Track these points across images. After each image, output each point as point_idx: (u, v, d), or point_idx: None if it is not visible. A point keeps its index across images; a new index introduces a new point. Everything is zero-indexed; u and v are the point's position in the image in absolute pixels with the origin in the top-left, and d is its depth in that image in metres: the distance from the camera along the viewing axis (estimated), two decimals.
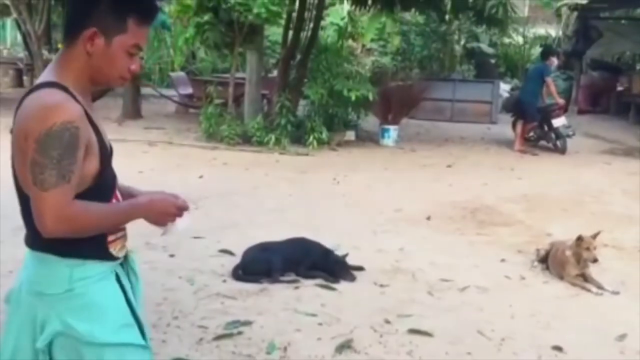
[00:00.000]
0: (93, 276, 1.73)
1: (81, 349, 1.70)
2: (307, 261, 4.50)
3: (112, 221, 1.75)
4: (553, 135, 10.86)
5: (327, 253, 4.57)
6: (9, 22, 21.89)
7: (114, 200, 1.81)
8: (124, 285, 1.82)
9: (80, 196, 1.65)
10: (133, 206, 1.78)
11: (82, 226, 1.65)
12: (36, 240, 1.70)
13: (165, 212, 1.80)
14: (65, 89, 1.64)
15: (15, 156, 1.67)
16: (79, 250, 1.70)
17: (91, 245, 1.72)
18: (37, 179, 1.58)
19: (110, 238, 1.78)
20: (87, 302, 1.71)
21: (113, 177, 1.82)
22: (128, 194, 1.89)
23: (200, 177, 7.50)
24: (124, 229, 1.85)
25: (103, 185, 1.75)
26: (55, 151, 1.57)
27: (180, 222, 1.84)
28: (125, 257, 1.90)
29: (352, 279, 4.41)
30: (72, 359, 1.71)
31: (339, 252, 4.64)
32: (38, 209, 1.60)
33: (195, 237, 5.03)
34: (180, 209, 1.82)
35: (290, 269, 4.45)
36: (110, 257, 1.79)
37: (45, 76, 1.70)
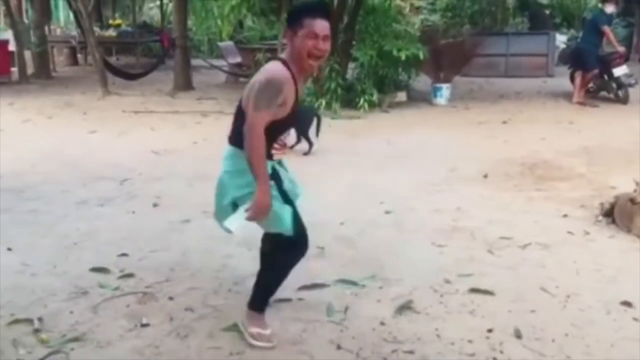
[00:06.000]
0: None
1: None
2: None
3: (256, 164, 2.68)
4: (614, 85, 10.45)
5: None
6: (60, 1, 22.31)
7: (288, 134, 3.05)
8: (278, 171, 2.96)
9: (275, 122, 2.74)
10: (266, 179, 2.73)
11: (253, 145, 2.68)
12: (232, 140, 2.88)
13: (263, 205, 2.74)
14: (285, 63, 2.77)
15: (246, 90, 2.79)
16: None
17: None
18: (253, 103, 2.69)
19: (273, 151, 2.88)
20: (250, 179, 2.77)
21: (291, 123, 2.96)
22: None
23: None
24: (282, 152, 2.98)
25: (284, 123, 2.86)
26: (266, 92, 2.68)
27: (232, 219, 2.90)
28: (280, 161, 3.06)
29: None
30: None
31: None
32: (248, 121, 2.70)
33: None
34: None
35: None
36: (270, 158, 2.87)
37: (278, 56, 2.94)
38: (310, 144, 7.03)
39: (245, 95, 2.79)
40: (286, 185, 2.97)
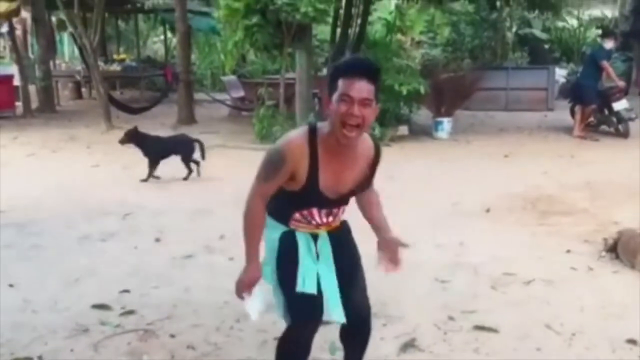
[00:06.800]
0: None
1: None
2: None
3: (247, 238, 2.47)
4: (614, 119, 10.51)
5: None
6: (65, 36, 22.63)
7: (310, 211, 2.49)
8: (297, 241, 2.53)
9: (286, 192, 2.42)
10: (252, 257, 2.48)
11: (245, 217, 2.44)
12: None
13: (239, 283, 2.48)
14: (313, 130, 2.39)
15: None
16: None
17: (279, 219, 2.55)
18: (257, 172, 2.42)
19: (295, 223, 2.51)
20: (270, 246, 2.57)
21: (313, 202, 2.46)
22: (377, 228, 2.83)
23: None
24: (308, 228, 2.53)
25: (301, 198, 2.43)
26: (265, 162, 2.39)
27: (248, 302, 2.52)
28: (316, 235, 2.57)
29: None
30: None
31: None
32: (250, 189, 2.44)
33: None
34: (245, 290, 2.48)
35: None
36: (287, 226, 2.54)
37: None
38: (190, 170, 7.66)
39: None
40: (302, 259, 2.50)
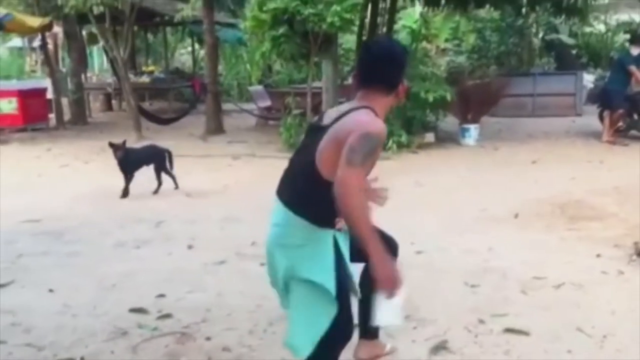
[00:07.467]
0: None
1: None
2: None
3: (363, 225, 2.21)
4: None
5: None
6: (95, 50, 23.10)
7: None
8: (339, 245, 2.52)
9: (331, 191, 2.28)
10: (378, 243, 2.23)
11: (352, 203, 2.19)
12: (293, 204, 2.49)
13: (394, 280, 2.25)
14: (375, 112, 2.44)
15: (325, 143, 2.40)
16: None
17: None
18: (348, 158, 2.24)
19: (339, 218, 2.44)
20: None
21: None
22: None
23: None
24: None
25: None
26: (367, 147, 2.26)
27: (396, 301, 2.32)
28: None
29: None
30: None
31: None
32: (342, 178, 2.22)
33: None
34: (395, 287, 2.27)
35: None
36: (332, 226, 2.51)
37: (359, 103, 2.50)
38: (160, 183, 7.55)
39: (323, 147, 2.41)
40: (345, 263, 2.54)
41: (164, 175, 7.59)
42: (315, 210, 2.43)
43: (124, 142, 7.41)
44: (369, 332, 3.11)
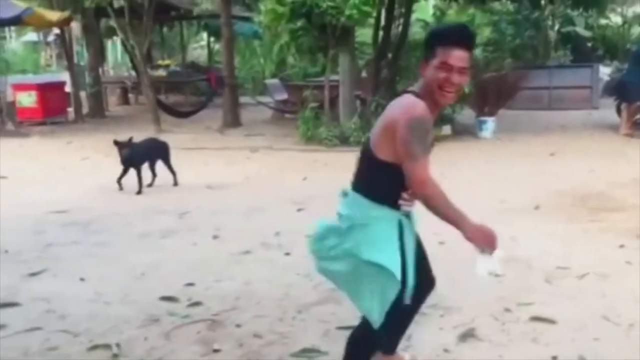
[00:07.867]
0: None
1: None
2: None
3: (448, 209, 2.40)
4: None
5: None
6: (110, 44, 23.23)
7: None
8: (403, 229, 2.56)
9: (393, 173, 2.43)
10: (465, 217, 2.41)
11: (434, 201, 2.40)
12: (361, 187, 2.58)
13: (490, 237, 2.43)
14: (418, 96, 2.42)
15: (376, 129, 2.50)
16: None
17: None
18: (407, 153, 2.35)
19: (402, 201, 2.52)
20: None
21: None
22: None
23: (304, 179, 7.68)
24: (411, 203, 2.55)
25: None
26: (416, 133, 2.33)
27: (495, 255, 2.46)
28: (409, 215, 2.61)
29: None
30: None
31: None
32: (413, 177, 2.38)
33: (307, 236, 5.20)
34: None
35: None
36: (397, 208, 2.54)
37: (409, 89, 2.53)
38: (154, 175, 7.57)
39: (375, 133, 2.51)
40: (408, 248, 2.56)
41: (163, 172, 7.53)
42: (376, 190, 2.52)
43: (130, 139, 7.32)
44: (387, 347, 3.04)
